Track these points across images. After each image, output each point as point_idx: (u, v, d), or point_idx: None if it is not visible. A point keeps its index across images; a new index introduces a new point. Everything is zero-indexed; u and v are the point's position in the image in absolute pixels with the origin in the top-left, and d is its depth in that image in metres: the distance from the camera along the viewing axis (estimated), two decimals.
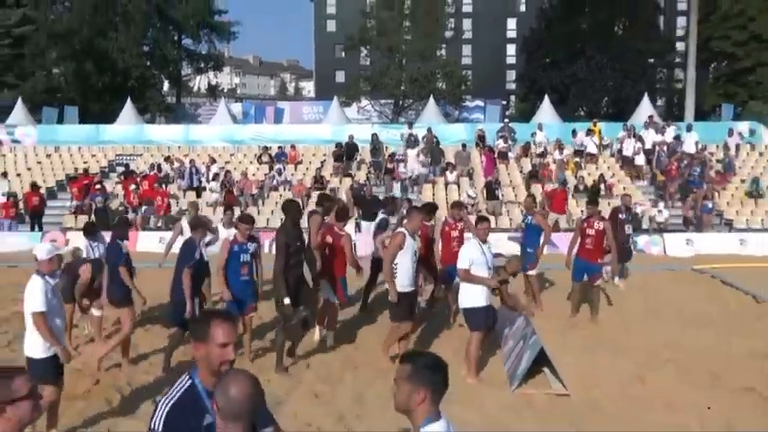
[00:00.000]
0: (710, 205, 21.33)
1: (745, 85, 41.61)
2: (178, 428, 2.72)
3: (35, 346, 5.92)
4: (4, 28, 38.47)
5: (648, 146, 25.04)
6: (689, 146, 24.88)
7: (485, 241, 7.92)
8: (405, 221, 8.69)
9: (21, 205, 22.48)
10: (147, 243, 19.56)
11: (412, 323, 8.52)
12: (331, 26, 65.16)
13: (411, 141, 26.11)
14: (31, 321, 5.89)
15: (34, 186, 22.67)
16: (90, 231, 10.04)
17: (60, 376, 6.10)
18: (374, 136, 26.56)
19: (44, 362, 5.89)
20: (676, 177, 22.75)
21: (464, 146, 25.98)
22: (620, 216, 13.29)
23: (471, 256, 7.75)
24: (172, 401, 2.86)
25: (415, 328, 9.10)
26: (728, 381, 7.96)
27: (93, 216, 21.96)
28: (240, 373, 2.70)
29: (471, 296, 7.77)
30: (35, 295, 5.90)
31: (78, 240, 20.32)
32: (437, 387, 2.84)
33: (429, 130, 26.80)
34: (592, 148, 25.94)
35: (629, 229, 13.88)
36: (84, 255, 9.59)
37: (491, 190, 22.20)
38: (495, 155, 25.31)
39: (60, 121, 32.02)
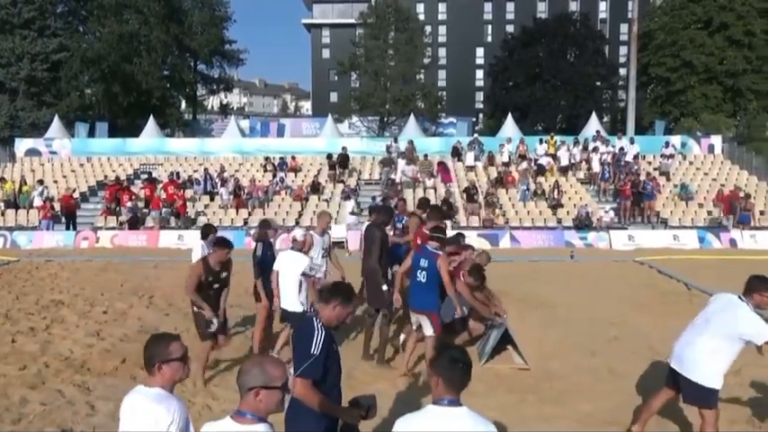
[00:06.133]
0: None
1: (677, 105, 42.05)
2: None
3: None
4: (43, 54, 38.09)
5: (597, 155, 25.15)
6: (630, 156, 25.13)
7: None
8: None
9: (57, 207, 22.24)
10: (167, 240, 19.44)
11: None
12: (326, 53, 65.15)
13: (398, 152, 26.03)
14: (295, 283, 7.05)
15: (69, 191, 22.42)
16: (206, 234, 8.82)
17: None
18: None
19: (301, 314, 6.89)
20: (629, 196, 22.28)
21: (426, 156, 25.76)
22: None
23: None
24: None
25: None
26: (664, 354, 7.97)
27: (123, 216, 21.79)
28: (257, 359, 2.72)
29: None
30: (303, 264, 7.13)
31: (107, 238, 20.19)
32: (449, 376, 2.68)
33: (410, 142, 26.76)
34: (548, 159, 26.03)
35: None
36: (199, 256, 8.09)
37: (470, 195, 22.06)
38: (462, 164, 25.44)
39: (92, 135, 31.66)
